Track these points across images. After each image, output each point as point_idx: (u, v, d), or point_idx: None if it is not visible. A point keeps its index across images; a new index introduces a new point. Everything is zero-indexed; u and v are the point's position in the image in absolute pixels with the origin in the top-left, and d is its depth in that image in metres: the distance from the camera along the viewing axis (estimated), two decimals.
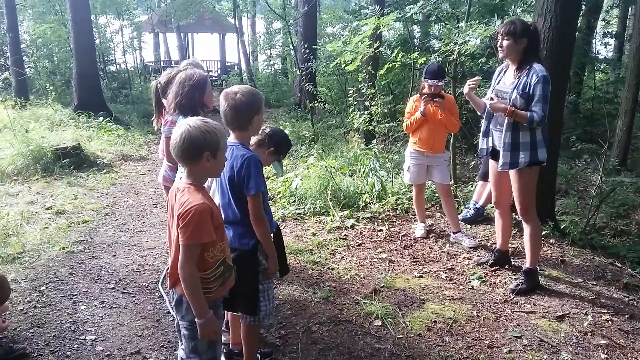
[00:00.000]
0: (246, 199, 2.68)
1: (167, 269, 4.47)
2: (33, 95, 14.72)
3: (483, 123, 4.28)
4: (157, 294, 4.10)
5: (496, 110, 3.96)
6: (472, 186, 6.51)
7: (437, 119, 4.96)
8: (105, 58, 19.01)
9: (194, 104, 3.52)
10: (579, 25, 11.42)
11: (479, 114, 4.45)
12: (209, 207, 2.28)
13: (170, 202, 2.43)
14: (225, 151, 2.41)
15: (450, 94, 6.66)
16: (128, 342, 3.44)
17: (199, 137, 2.25)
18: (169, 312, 3.80)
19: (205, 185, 2.55)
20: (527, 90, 3.82)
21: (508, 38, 3.86)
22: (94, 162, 8.21)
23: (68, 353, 3.33)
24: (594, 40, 14.39)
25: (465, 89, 4.24)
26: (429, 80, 4.89)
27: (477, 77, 4.31)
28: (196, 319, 2.32)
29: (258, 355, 3.15)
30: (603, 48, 17.00)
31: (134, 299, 4.02)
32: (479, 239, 5.21)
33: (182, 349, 2.54)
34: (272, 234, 2.88)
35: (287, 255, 4.75)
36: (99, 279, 4.35)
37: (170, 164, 4.22)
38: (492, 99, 3.97)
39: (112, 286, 4.23)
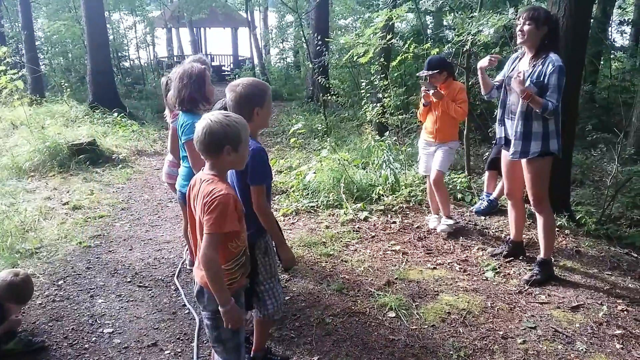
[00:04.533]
0: (249, 190, 2.70)
1: (182, 263, 4.53)
2: (48, 92, 14.91)
3: (498, 111, 4.25)
4: (173, 287, 4.15)
5: (516, 87, 3.85)
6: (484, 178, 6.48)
7: (441, 108, 4.95)
8: (119, 54, 19.16)
9: (194, 98, 3.52)
10: (594, 13, 11.29)
11: (482, 93, 4.39)
12: (233, 197, 2.31)
13: (191, 192, 2.45)
14: (248, 144, 2.41)
15: (463, 82, 6.62)
16: (145, 335, 3.49)
17: (219, 130, 2.27)
18: (184, 305, 3.84)
19: None
20: (541, 79, 3.78)
21: (530, 23, 3.80)
22: (109, 158, 8.30)
23: (86, 346, 3.38)
24: (609, 28, 14.20)
25: (484, 62, 4.12)
26: (424, 71, 4.96)
27: (498, 55, 4.24)
28: (219, 307, 2.34)
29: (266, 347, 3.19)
30: (619, 36, 16.76)
31: (151, 292, 4.07)
32: (493, 230, 5.19)
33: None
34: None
35: (300, 248, 4.81)
36: (116, 273, 4.40)
37: (171, 160, 4.26)
38: (518, 74, 3.85)
39: (129, 280, 4.28)
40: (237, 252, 2.43)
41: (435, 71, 4.85)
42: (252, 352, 3.09)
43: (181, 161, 3.83)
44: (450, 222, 5.15)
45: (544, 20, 3.79)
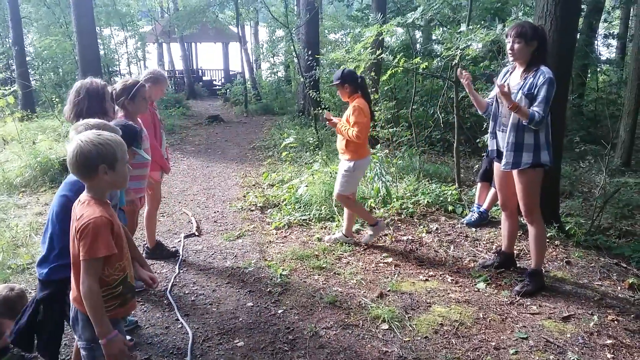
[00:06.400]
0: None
1: (175, 277, 4.53)
2: (39, 108, 14.89)
3: (490, 124, 4.31)
4: (165, 301, 4.14)
5: (502, 97, 3.90)
6: (475, 189, 6.53)
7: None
8: (110, 69, 19.16)
9: (91, 112, 3.34)
10: (580, 27, 11.47)
11: (479, 113, 4.46)
12: (108, 220, 2.22)
13: (72, 214, 2.35)
14: (126, 162, 2.32)
15: (452, 97, 6.70)
16: (138, 349, 3.48)
17: (91, 150, 2.18)
18: (177, 320, 3.84)
19: None
20: (532, 91, 3.85)
21: (519, 41, 3.88)
22: None
23: None
24: (596, 42, 14.43)
25: (463, 81, 4.24)
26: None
27: (466, 73, 4.27)
28: (99, 340, 2.24)
29: None
30: (605, 49, 17.02)
31: (143, 306, 4.06)
32: (484, 242, 5.24)
33: None
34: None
35: (293, 261, 4.82)
36: None
37: None
38: (504, 86, 3.89)
39: None
40: (110, 281, 2.30)
41: (337, 82, 4.92)
42: None
43: None
44: (339, 235, 5.24)
45: (532, 35, 3.87)
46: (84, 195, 2.30)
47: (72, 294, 2.40)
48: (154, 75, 4.76)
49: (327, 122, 5.14)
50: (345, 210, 5.24)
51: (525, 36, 3.87)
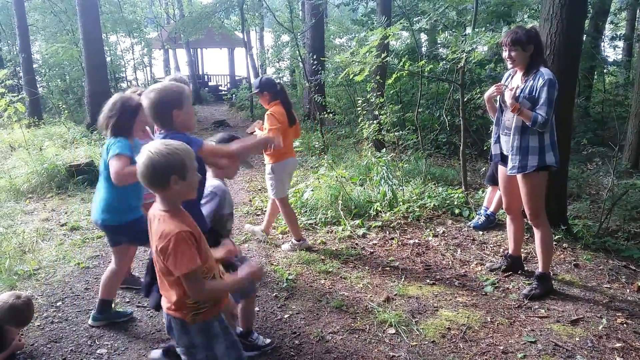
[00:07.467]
0: None
1: None
2: (46, 114, 14.96)
3: (493, 129, 4.30)
4: None
5: (507, 99, 3.94)
6: (482, 192, 6.50)
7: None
8: (117, 75, 19.23)
9: (124, 126, 3.53)
10: (587, 28, 11.42)
11: (491, 118, 4.45)
12: (188, 232, 2.20)
13: (150, 227, 2.36)
14: (195, 170, 2.30)
15: (459, 99, 6.67)
16: (143, 355, 3.48)
17: (161, 162, 2.16)
18: None
19: None
20: (533, 94, 3.85)
21: (516, 48, 3.89)
22: None
23: None
24: (602, 44, 14.36)
25: (491, 90, 4.18)
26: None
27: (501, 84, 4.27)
28: (241, 282, 2.37)
29: None
30: (612, 51, 16.94)
31: (149, 312, 4.06)
32: (492, 245, 5.20)
33: None
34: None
35: (299, 265, 4.81)
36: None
37: None
38: (511, 89, 3.93)
39: (127, 300, 4.28)
40: None
41: (257, 90, 5.04)
42: None
43: (98, 190, 3.83)
44: (294, 243, 5.23)
45: (527, 40, 3.88)
46: (159, 211, 2.26)
47: (164, 304, 2.40)
48: (178, 81, 4.80)
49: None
50: (284, 217, 5.29)
51: (521, 43, 3.87)
